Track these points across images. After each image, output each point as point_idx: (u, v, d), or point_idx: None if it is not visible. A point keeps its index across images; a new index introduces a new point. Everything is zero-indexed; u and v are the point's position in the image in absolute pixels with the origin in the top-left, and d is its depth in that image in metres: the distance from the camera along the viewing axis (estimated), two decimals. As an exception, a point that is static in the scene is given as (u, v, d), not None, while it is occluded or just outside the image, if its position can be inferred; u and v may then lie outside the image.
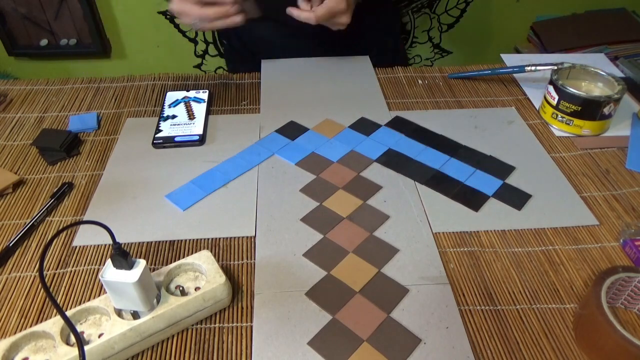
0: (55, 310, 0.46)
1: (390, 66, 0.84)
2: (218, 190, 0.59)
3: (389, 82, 0.80)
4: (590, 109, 0.66)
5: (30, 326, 0.45)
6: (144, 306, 0.41)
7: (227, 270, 0.50)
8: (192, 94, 0.75)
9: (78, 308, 0.42)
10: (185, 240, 0.53)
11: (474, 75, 0.80)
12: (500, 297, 0.48)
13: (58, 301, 0.47)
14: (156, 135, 0.67)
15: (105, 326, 0.42)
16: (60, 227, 0.55)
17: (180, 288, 0.45)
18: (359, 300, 0.46)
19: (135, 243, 0.53)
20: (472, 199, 0.58)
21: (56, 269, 0.50)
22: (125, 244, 0.53)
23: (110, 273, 0.40)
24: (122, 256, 0.39)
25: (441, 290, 0.48)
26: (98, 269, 0.50)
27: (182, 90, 0.76)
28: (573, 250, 0.52)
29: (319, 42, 0.88)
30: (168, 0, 0.69)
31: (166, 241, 0.53)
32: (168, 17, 1.61)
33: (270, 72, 0.82)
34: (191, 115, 0.70)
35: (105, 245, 0.53)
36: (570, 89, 0.66)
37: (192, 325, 0.45)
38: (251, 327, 0.45)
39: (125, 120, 0.71)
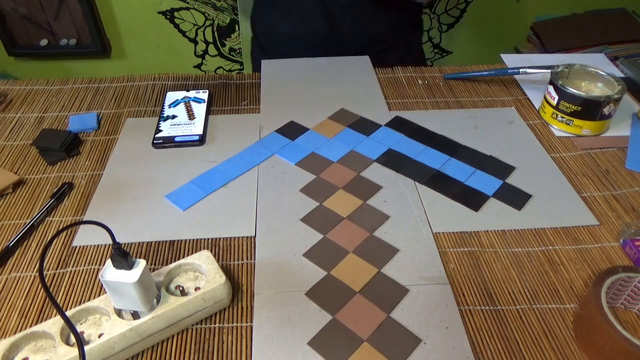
0: (55, 310, 0.46)
1: (390, 66, 0.84)
2: (218, 190, 0.59)
3: (389, 82, 0.80)
4: (590, 109, 0.66)
5: (30, 326, 0.45)
6: (144, 306, 0.41)
7: (227, 270, 0.50)
8: (192, 94, 0.75)
9: (78, 308, 0.42)
10: (185, 240, 0.53)
11: (470, 76, 0.80)
12: (500, 297, 0.48)
13: (58, 301, 0.47)
14: (156, 135, 0.67)
15: (105, 326, 0.42)
16: (60, 227, 0.55)
17: (180, 288, 0.45)
18: (359, 300, 0.46)
19: (135, 243, 0.53)
20: (472, 199, 0.58)
21: (56, 269, 0.50)
22: (125, 244, 0.53)
23: (110, 273, 0.40)
24: (122, 256, 0.39)
25: (441, 290, 0.48)
26: (98, 269, 0.50)
27: (182, 90, 0.76)
28: (573, 250, 0.52)
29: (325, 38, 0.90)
30: None
31: (166, 241, 0.53)
32: (168, 17, 1.61)
33: (270, 72, 0.82)
34: (191, 115, 0.71)
35: (105, 245, 0.53)
36: (570, 89, 0.66)
37: (192, 325, 0.45)
38: (251, 327, 0.45)
39: (125, 120, 0.71)
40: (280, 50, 0.96)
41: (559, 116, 0.69)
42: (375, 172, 0.62)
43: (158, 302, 0.43)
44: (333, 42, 0.91)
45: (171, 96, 0.75)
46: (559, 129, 0.70)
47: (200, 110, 0.72)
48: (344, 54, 0.87)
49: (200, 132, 0.67)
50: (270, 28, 0.97)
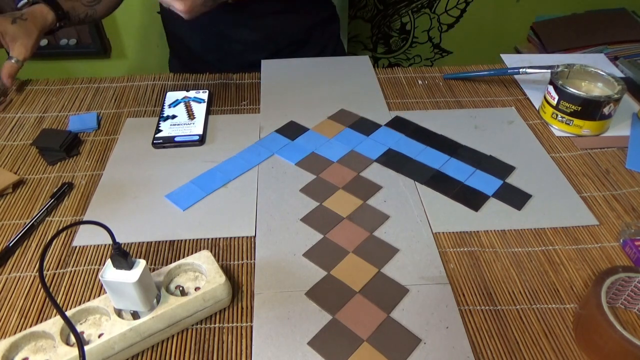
0: (55, 310, 0.46)
1: (389, 66, 0.84)
2: (218, 190, 0.59)
3: (389, 82, 0.80)
4: (590, 109, 0.66)
5: (30, 326, 0.45)
6: (144, 306, 0.41)
7: (227, 270, 0.50)
8: (192, 94, 0.75)
9: (78, 308, 0.42)
10: (185, 240, 0.53)
11: (470, 76, 0.80)
12: (500, 297, 0.48)
13: (58, 301, 0.47)
14: (156, 135, 0.67)
15: (105, 326, 0.42)
16: (60, 227, 0.55)
17: (180, 288, 0.45)
18: (359, 300, 0.46)
19: (135, 243, 0.53)
20: (472, 199, 0.58)
21: (56, 269, 0.50)
22: (125, 244, 0.53)
23: (110, 273, 0.40)
24: (122, 256, 0.39)
25: (441, 290, 0.48)
26: (98, 269, 0.50)
27: (182, 90, 0.76)
28: (573, 250, 0.52)
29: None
30: None
31: (166, 241, 0.53)
32: (168, 17, 1.61)
33: (270, 72, 0.82)
34: (191, 115, 0.70)
35: (105, 245, 0.53)
36: (570, 89, 0.66)
37: (192, 325, 0.45)
38: (251, 327, 0.45)
39: (125, 120, 0.71)
40: (192, 61, 0.96)
41: (559, 116, 0.69)
42: (375, 172, 0.62)
43: (158, 302, 0.43)
44: (241, 52, 0.91)
45: (171, 96, 0.75)
46: (559, 129, 0.70)
47: (200, 110, 0.72)
48: (255, 60, 0.85)
49: (200, 132, 0.67)
50: (181, 39, 0.96)
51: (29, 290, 0.48)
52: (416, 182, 0.60)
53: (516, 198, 0.58)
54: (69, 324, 0.35)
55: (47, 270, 0.50)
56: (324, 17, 0.96)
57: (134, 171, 0.62)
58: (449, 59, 1.78)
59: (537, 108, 0.74)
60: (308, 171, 0.62)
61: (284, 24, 0.90)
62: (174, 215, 0.56)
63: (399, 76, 0.82)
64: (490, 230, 0.54)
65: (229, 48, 0.91)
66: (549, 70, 0.71)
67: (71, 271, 0.50)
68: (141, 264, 0.41)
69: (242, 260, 0.51)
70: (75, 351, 0.39)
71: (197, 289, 0.45)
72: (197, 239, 0.53)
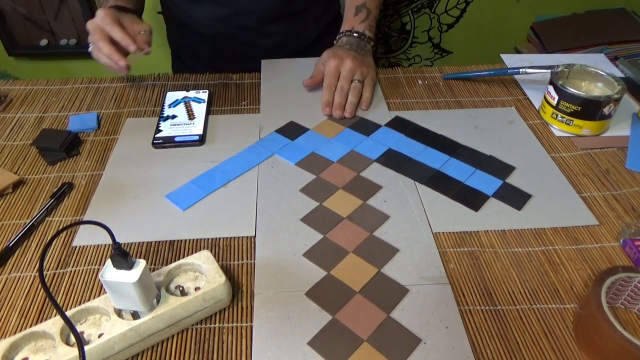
0: (55, 310, 0.46)
1: (389, 66, 0.84)
2: (218, 190, 0.59)
3: (389, 82, 0.80)
4: (590, 109, 0.66)
5: (30, 326, 0.45)
6: (144, 306, 0.41)
7: (227, 270, 0.50)
8: (192, 94, 0.75)
9: (78, 308, 0.42)
10: (185, 240, 0.53)
11: (470, 76, 0.80)
12: (500, 297, 0.48)
13: (58, 301, 0.47)
14: (156, 135, 0.67)
15: (105, 326, 0.42)
16: (60, 227, 0.55)
17: (180, 288, 0.45)
18: (359, 300, 0.46)
19: (135, 243, 0.53)
20: (472, 199, 0.58)
21: (56, 269, 0.50)
22: (125, 244, 0.53)
23: (110, 273, 0.40)
24: (122, 256, 0.39)
25: (441, 290, 0.48)
26: (98, 269, 0.50)
27: (182, 90, 0.76)
28: (573, 250, 0.52)
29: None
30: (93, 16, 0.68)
31: (166, 241, 0.53)
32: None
33: (270, 72, 0.82)
34: (191, 115, 0.70)
35: (105, 245, 0.53)
36: (570, 89, 0.66)
37: (192, 325, 0.45)
38: (251, 327, 0.45)
39: (125, 120, 0.71)
40: (198, 62, 0.96)
41: (559, 116, 0.69)
42: (375, 172, 0.62)
43: (158, 302, 0.43)
44: (252, 57, 0.90)
45: (171, 96, 0.75)
46: (559, 129, 0.70)
47: (200, 110, 0.72)
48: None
49: (200, 132, 0.67)
50: (183, 45, 0.96)
51: (29, 290, 0.48)
52: (416, 182, 0.60)
53: (516, 198, 0.58)
54: (69, 324, 0.35)
55: (47, 270, 0.50)
56: (332, 19, 0.96)
57: (134, 171, 0.62)
58: (449, 59, 1.77)
59: (537, 108, 0.74)
60: (308, 171, 0.62)
61: (299, 26, 0.90)
62: (174, 215, 0.56)
63: (399, 76, 0.82)
64: (490, 230, 0.54)
65: (239, 54, 0.91)
66: (549, 70, 0.71)
67: (71, 271, 0.50)
68: (141, 264, 0.41)
69: (242, 260, 0.51)
70: (75, 351, 0.39)
71: (197, 289, 0.45)
72: (197, 239, 0.53)
